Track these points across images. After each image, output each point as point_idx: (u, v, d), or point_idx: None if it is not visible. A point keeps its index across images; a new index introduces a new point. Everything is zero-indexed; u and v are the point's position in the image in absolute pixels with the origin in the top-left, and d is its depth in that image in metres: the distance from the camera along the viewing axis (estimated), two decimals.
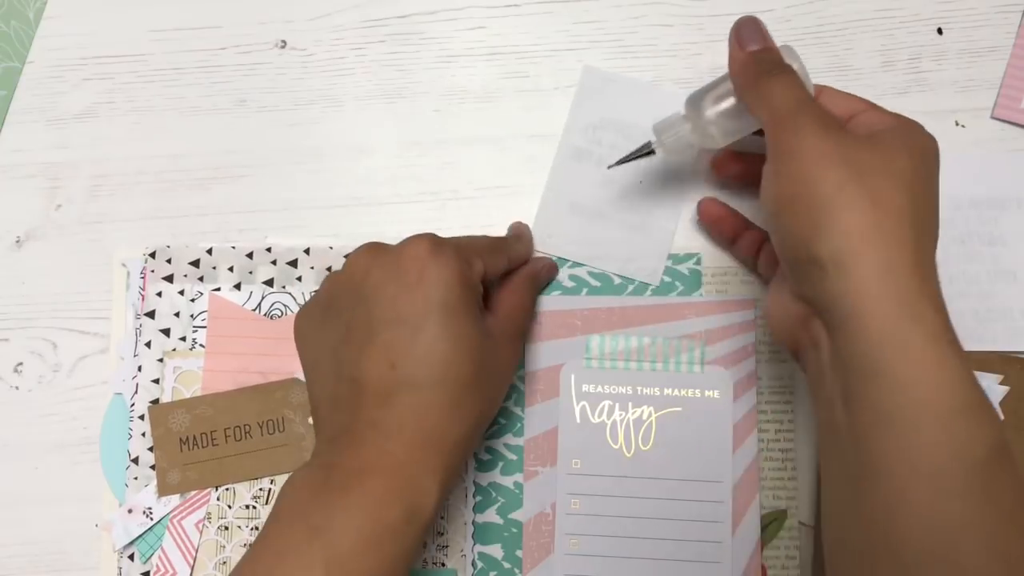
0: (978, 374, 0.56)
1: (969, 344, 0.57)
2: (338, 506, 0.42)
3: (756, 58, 0.49)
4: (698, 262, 0.60)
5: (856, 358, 0.42)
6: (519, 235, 0.58)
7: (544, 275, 0.59)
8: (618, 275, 0.60)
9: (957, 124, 0.61)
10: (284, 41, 0.64)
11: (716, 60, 0.62)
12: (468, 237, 0.52)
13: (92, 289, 0.61)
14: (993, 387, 0.57)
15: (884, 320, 0.41)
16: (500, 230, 0.61)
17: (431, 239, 0.48)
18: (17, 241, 0.62)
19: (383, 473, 0.43)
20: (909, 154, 0.45)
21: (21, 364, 0.61)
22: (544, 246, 0.60)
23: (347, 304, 0.48)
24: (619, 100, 0.62)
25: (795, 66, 0.49)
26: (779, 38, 0.57)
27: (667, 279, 0.59)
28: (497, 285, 0.54)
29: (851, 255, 0.42)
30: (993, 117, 0.61)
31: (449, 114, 0.63)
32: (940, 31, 0.62)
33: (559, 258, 0.60)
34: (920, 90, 0.62)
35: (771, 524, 0.57)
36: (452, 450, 0.45)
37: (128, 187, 0.62)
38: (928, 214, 0.44)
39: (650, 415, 0.58)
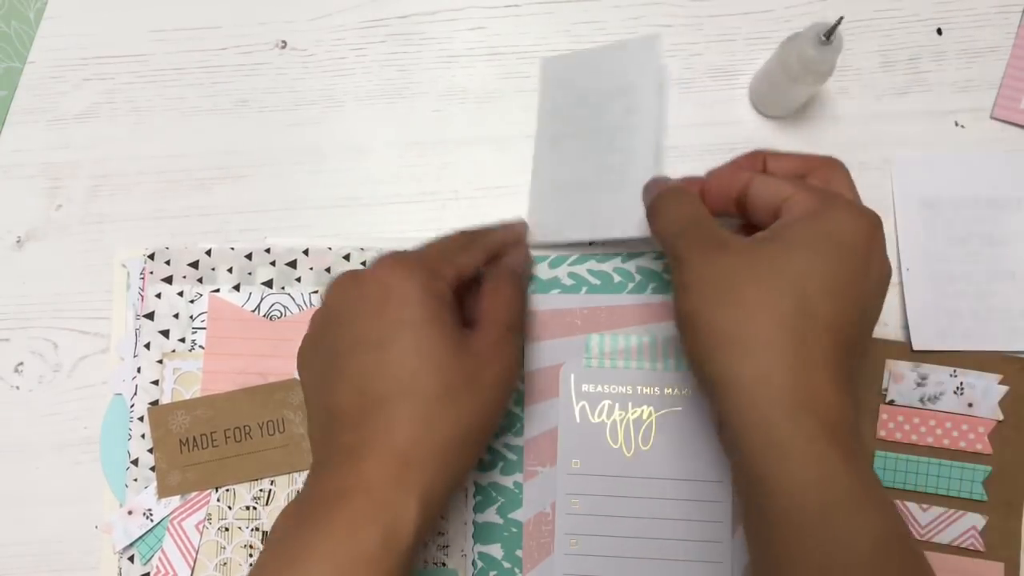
0: (977, 374, 0.56)
1: (969, 344, 0.57)
2: (311, 535, 0.42)
3: (646, 187, 0.52)
4: None
5: (746, 468, 0.43)
6: (501, 224, 0.57)
7: (523, 264, 0.57)
8: (618, 274, 0.60)
9: (957, 124, 0.61)
10: (284, 41, 0.64)
11: (716, 60, 0.62)
12: (440, 240, 0.52)
13: (92, 289, 0.61)
14: (992, 387, 0.57)
15: (763, 432, 0.42)
16: None
17: (394, 258, 0.48)
18: (17, 241, 0.62)
19: (354, 496, 0.42)
20: (810, 250, 0.44)
21: (21, 364, 0.61)
22: (541, 235, 0.59)
23: (326, 336, 0.48)
24: (579, 75, 0.61)
25: None
26: (779, 38, 0.57)
27: (667, 276, 0.59)
28: (479, 289, 0.52)
29: (730, 376, 0.43)
30: (993, 117, 0.61)
31: (449, 114, 0.63)
32: (940, 31, 0.62)
33: (556, 251, 0.60)
34: (920, 90, 0.62)
35: None
36: (427, 465, 0.43)
37: (128, 187, 0.62)
38: (823, 304, 0.43)
39: (650, 415, 0.58)
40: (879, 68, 0.62)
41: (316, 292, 0.59)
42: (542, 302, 0.59)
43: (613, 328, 0.59)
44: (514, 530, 0.58)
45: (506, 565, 0.57)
